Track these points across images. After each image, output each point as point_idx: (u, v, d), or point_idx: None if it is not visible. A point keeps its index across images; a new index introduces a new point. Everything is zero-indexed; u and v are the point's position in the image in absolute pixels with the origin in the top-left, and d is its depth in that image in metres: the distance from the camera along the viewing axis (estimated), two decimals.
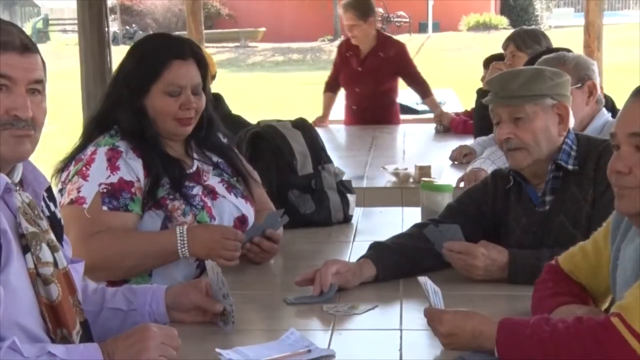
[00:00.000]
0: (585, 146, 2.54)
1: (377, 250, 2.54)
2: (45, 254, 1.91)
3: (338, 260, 2.49)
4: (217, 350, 1.92)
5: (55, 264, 1.93)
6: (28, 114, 1.84)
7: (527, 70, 2.61)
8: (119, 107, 2.64)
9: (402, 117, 6.83)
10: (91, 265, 2.32)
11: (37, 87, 1.88)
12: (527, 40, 4.73)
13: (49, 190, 2.07)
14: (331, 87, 6.50)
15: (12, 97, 1.84)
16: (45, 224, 1.95)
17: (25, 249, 1.88)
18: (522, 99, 2.48)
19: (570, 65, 3.20)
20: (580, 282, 2.17)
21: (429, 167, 4.00)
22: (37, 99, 1.89)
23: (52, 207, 2.06)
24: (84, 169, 2.55)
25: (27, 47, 1.87)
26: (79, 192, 2.52)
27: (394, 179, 4.10)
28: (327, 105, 6.49)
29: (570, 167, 2.51)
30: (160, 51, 2.66)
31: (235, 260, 2.54)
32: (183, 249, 2.51)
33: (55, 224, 2.03)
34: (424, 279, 2.08)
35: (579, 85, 3.23)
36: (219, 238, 2.52)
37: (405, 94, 8.14)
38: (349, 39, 6.29)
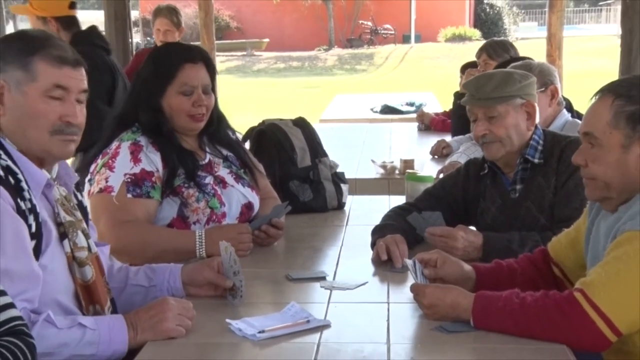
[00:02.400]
0: (551, 141, 2.54)
1: (390, 229, 2.53)
2: (81, 240, 1.92)
3: (396, 236, 2.46)
4: (227, 320, 1.92)
5: (89, 248, 1.93)
6: (77, 120, 1.88)
7: (498, 73, 2.59)
8: (140, 107, 2.63)
9: (388, 116, 6.82)
10: (116, 250, 2.34)
11: (82, 97, 1.91)
12: (498, 49, 4.73)
13: (76, 184, 2.07)
14: None
15: (65, 106, 1.86)
16: (79, 214, 1.96)
17: (63, 236, 1.88)
18: (495, 100, 2.47)
19: (535, 72, 3.18)
20: (556, 261, 2.17)
21: (412, 161, 3.98)
22: (81, 107, 1.91)
23: (79, 197, 2.06)
24: (110, 161, 2.54)
25: (78, 62, 1.90)
26: (107, 181, 2.51)
27: (381, 170, 4.08)
28: None
29: (536, 160, 2.51)
30: (173, 56, 2.65)
31: (249, 251, 2.53)
32: (201, 250, 2.49)
33: (82, 211, 2.04)
34: (410, 261, 2.08)
35: (543, 89, 3.23)
36: (235, 235, 2.49)
37: (390, 97, 8.14)
38: (149, 49, 5.94)
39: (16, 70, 1.84)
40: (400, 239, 2.45)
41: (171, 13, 5.70)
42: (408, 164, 3.95)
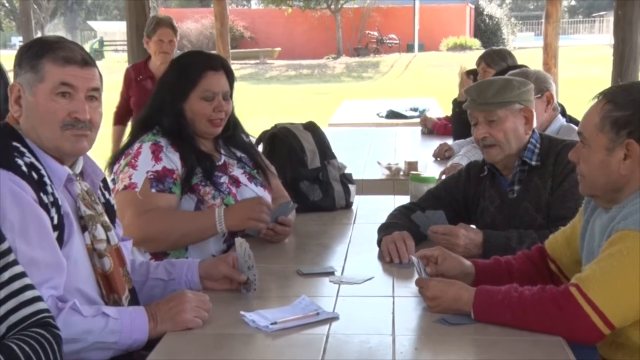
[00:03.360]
0: (547, 145, 2.52)
1: (395, 227, 2.52)
2: (100, 233, 1.92)
3: (403, 233, 2.46)
4: (242, 312, 1.92)
5: (108, 240, 1.94)
6: (86, 116, 1.86)
7: (498, 80, 2.58)
8: (162, 111, 2.64)
9: (393, 121, 6.81)
10: (144, 238, 2.37)
11: (94, 94, 1.89)
12: (495, 58, 4.71)
13: (104, 181, 2.07)
14: (121, 119, 5.31)
15: (74, 103, 1.85)
16: (100, 208, 1.96)
17: (84, 228, 1.89)
18: (495, 105, 2.46)
19: (531, 79, 3.17)
20: (552, 257, 2.17)
21: (416, 162, 3.97)
22: (94, 105, 1.89)
23: (107, 195, 2.07)
24: (132, 160, 2.55)
25: (87, 61, 1.88)
26: (130, 179, 2.52)
27: (387, 172, 4.07)
28: (118, 140, 5.21)
29: (533, 163, 2.50)
30: (196, 64, 2.66)
31: (266, 221, 2.52)
32: (220, 225, 2.49)
33: (109, 209, 2.04)
34: (415, 258, 2.08)
35: (539, 95, 3.20)
36: (250, 204, 2.52)
37: (395, 102, 8.13)
38: (137, 65, 5.40)
39: (27, 72, 1.84)
40: (407, 236, 2.44)
41: (172, 22, 5.24)
42: (412, 165, 3.94)
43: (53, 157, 1.86)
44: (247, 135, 2.89)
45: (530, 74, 3.26)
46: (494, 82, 2.53)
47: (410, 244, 2.41)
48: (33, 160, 1.81)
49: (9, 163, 1.75)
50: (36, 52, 1.85)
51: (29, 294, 1.53)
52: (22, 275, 1.54)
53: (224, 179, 2.66)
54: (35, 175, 1.78)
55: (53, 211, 1.78)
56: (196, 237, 2.52)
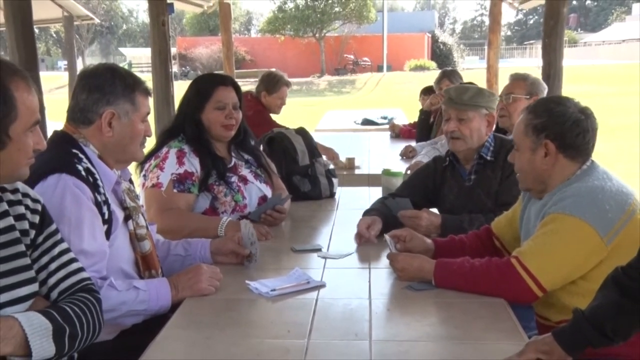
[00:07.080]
0: (500, 144, 2.53)
1: (375, 212, 2.49)
2: (141, 220, 1.93)
3: (368, 219, 2.41)
4: (246, 281, 1.91)
5: (146, 227, 1.94)
6: (151, 134, 1.96)
7: (473, 87, 2.56)
8: (186, 121, 2.63)
9: (367, 127, 6.81)
10: (163, 230, 2.35)
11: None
12: (436, 78, 4.90)
13: (130, 180, 2.08)
14: None
15: (147, 124, 1.93)
16: (139, 202, 1.97)
17: (128, 217, 1.90)
18: (468, 107, 2.47)
19: (529, 81, 3.22)
20: (497, 235, 2.17)
21: (353, 159, 4.14)
22: None
23: (132, 188, 2.06)
24: (160, 163, 2.53)
25: (151, 92, 1.97)
26: (157, 179, 2.50)
27: (332, 166, 4.10)
28: None
29: (488, 157, 2.50)
30: (210, 81, 2.66)
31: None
32: (221, 231, 2.44)
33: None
34: (388, 237, 2.08)
35: (528, 97, 3.21)
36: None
37: (369, 112, 8.12)
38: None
39: (125, 103, 1.87)
40: (372, 221, 2.37)
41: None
42: (350, 160, 4.10)
43: (106, 164, 1.87)
44: (255, 141, 2.87)
45: (529, 78, 3.28)
46: (470, 88, 2.54)
47: (375, 227, 2.35)
48: (89, 165, 1.81)
49: (72, 169, 1.75)
50: (129, 86, 1.87)
51: (74, 265, 1.53)
52: (67, 250, 1.54)
53: (234, 179, 2.64)
54: (91, 179, 1.78)
55: (105, 208, 1.79)
56: (201, 234, 2.46)
